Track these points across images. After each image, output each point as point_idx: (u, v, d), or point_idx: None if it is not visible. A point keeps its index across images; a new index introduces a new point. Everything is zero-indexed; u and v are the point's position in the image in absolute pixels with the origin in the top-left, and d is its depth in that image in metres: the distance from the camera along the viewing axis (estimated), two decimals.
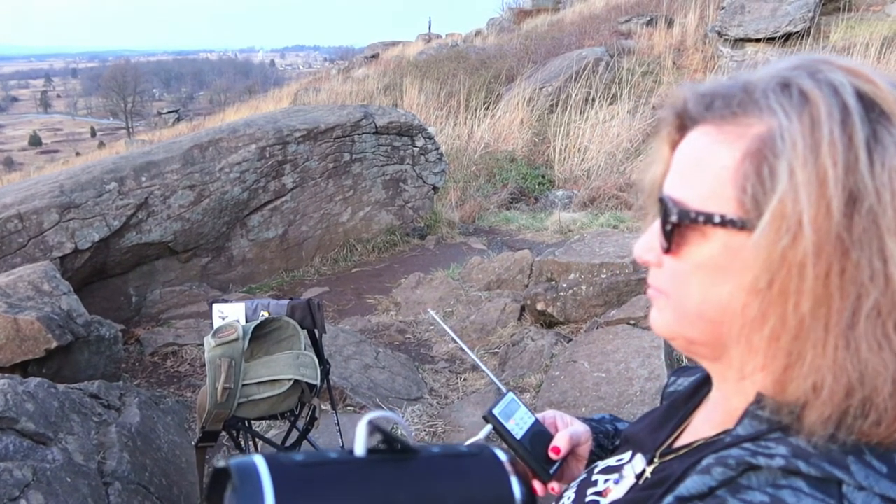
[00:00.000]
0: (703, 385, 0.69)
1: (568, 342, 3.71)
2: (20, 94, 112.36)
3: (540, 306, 4.17)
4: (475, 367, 3.80)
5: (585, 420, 0.87)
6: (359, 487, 0.46)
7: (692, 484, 0.53)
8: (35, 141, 61.96)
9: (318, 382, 2.19)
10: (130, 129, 52.62)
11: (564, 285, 4.13)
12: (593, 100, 9.75)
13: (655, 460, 0.65)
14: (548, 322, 4.18)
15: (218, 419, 2.06)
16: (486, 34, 19.42)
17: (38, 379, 2.42)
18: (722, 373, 0.59)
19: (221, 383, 2.01)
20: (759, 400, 0.54)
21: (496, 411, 0.81)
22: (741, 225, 0.51)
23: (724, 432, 0.57)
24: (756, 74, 0.54)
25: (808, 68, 0.52)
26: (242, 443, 2.26)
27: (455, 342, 3.98)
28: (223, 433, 2.18)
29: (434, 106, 11.50)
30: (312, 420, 2.26)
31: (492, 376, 1.21)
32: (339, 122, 5.94)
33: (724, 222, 0.52)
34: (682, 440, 0.65)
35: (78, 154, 33.51)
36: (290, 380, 2.11)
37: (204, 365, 2.15)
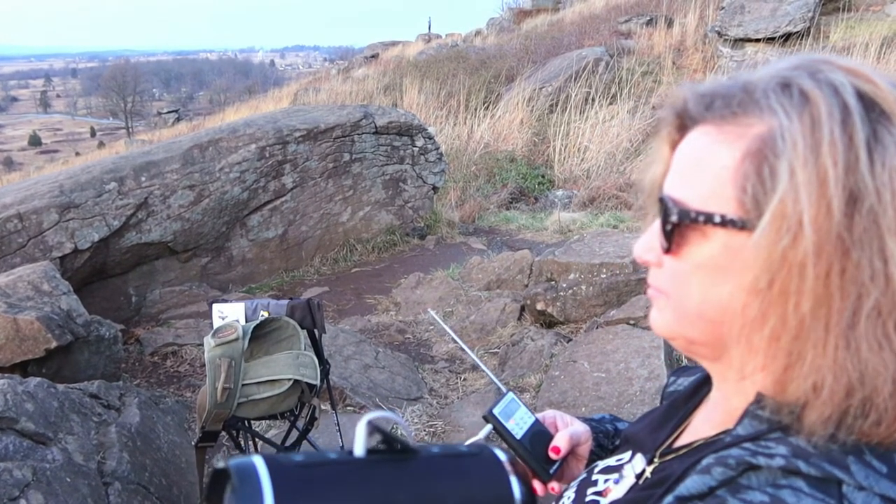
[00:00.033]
0: (703, 385, 0.69)
1: (568, 342, 3.71)
2: (20, 94, 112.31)
3: (540, 306, 4.17)
4: (475, 367, 3.80)
5: (585, 420, 0.87)
6: (358, 488, 0.46)
7: (692, 484, 0.53)
8: (35, 141, 61.92)
9: (317, 382, 2.19)
10: (130, 129, 52.59)
11: (564, 285, 4.13)
12: (593, 100, 9.75)
13: (655, 460, 0.65)
14: (548, 322, 4.18)
15: (218, 419, 2.06)
16: (486, 34, 19.41)
17: (38, 379, 2.42)
18: (722, 373, 0.59)
19: (221, 383, 2.01)
20: (759, 400, 0.54)
21: (496, 411, 0.81)
22: (741, 225, 0.51)
23: (724, 432, 0.57)
24: (756, 74, 0.54)
25: (809, 68, 0.52)
26: (242, 443, 2.26)
27: (455, 342, 3.98)
28: (223, 433, 2.18)
29: (434, 106, 11.49)
30: (312, 420, 2.26)
31: (492, 376, 1.20)
32: (339, 122, 5.94)
33: (725, 222, 0.52)
34: (682, 440, 0.65)
35: (78, 154, 33.50)
36: (289, 380, 2.11)
37: (204, 365, 2.15)
